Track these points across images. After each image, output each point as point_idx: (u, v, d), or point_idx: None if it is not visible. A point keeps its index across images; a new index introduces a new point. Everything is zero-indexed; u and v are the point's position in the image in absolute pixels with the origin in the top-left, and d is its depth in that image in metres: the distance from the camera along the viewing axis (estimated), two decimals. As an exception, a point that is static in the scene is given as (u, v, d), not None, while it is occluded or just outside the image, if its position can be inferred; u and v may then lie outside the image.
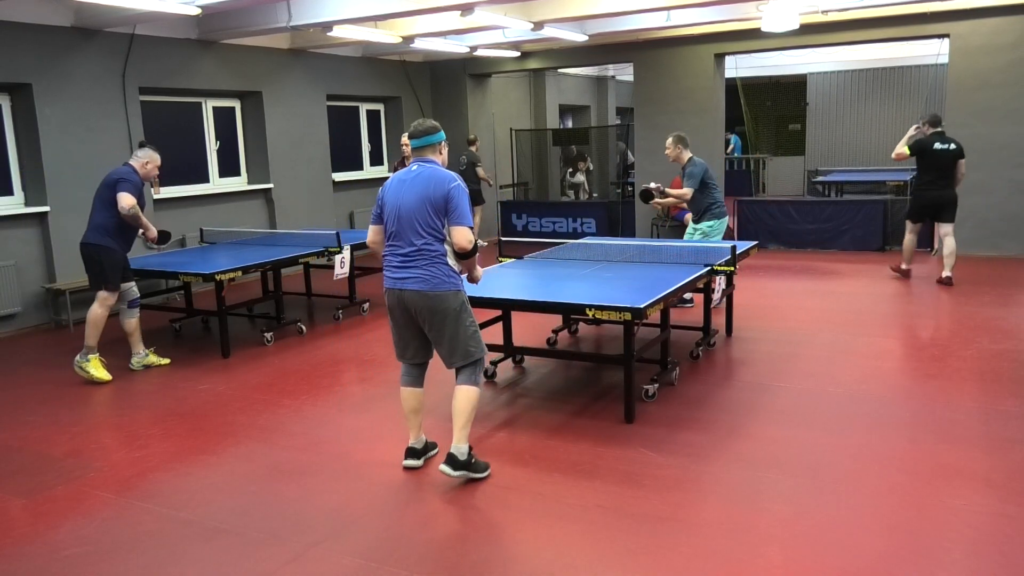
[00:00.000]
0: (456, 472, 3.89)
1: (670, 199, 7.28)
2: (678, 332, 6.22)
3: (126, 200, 5.64)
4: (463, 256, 3.88)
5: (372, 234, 4.05)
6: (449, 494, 3.86)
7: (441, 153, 4.07)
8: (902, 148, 8.35)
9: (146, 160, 5.97)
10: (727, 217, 7.35)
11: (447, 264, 3.85)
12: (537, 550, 3.33)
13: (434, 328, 3.90)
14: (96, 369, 5.84)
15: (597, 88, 18.76)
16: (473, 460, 3.96)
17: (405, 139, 9.10)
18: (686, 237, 7.41)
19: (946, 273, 8.24)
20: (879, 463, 4.04)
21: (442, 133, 4.09)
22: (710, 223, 7.20)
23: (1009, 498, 3.61)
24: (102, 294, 5.89)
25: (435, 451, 4.25)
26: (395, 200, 3.90)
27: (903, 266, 8.70)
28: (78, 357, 5.87)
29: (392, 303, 3.95)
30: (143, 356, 6.19)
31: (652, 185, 7.27)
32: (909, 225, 8.61)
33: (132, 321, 6.12)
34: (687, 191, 7.07)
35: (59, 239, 7.85)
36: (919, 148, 8.27)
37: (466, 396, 3.93)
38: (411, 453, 4.15)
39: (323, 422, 4.96)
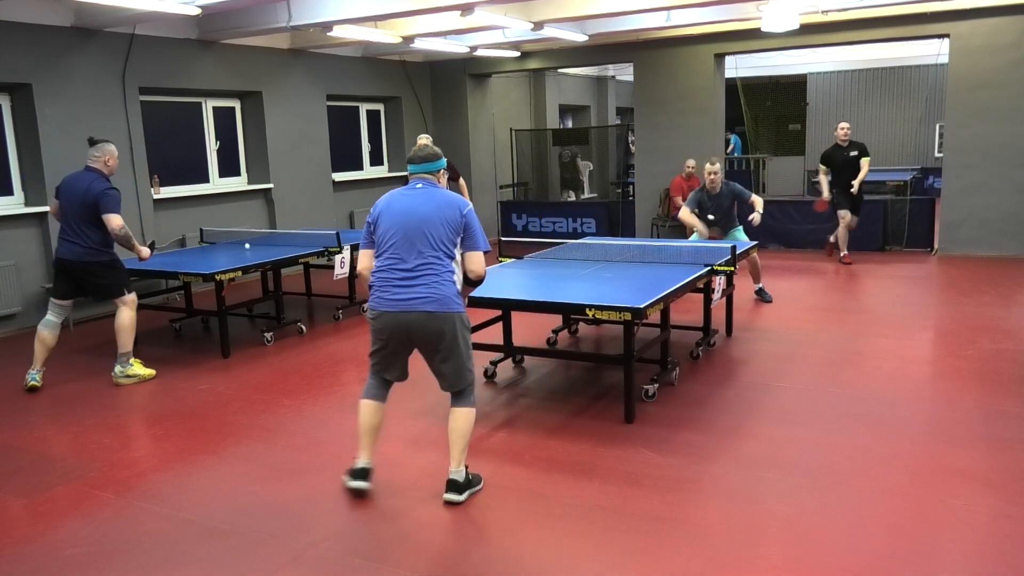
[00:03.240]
0: (463, 496, 3.74)
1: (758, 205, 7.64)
2: (678, 332, 6.22)
3: (116, 221, 5.50)
4: (474, 283, 3.79)
5: (365, 259, 3.77)
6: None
7: (441, 181, 3.85)
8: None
9: (107, 157, 5.67)
10: None
11: (455, 284, 3.68)
12: (537, 550, 3.33)
13: (440, 352, 3.67)
14: (141, 370, 5.86)
15: (597, 88, 18.75)
16: (471, 476, 3.85)
17: (425, 140, 9.15)
18: (736, 234, 7.82)
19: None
20: (879, 463, 4.04)
21: (444, 160, 3.89)
22: (741, 226, 7.85)
23: (1009, 498, 3.61)
24: (127, 298, 5.84)
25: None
26: (399, 213, 3.66)
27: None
28: (118, 368, 5.79)
29: (387, 326, 3.66)
30: (36, 374, 5.81)
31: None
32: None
33: (52, 337, 5.78)
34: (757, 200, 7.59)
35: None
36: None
37: (467, 420, 3.76)
38: (360, 474, 3.82)
39: (323, 422, 4.96)
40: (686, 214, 7.67)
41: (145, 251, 5.92)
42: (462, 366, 3.74)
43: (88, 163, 5.72)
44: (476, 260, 3.73)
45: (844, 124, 9.59)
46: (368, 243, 3.78)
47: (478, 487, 3.88)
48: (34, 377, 5.79)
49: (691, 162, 10.68)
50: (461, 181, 9.23)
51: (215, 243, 8.21)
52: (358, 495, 3.83)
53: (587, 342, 6.64)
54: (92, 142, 5.75)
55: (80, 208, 5.58)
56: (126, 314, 5.82)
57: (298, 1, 8.11)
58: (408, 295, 3.60)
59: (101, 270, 5.73)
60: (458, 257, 3.74)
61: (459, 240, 3.71)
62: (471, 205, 3.78)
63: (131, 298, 5.88)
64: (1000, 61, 9.57)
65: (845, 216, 9.60)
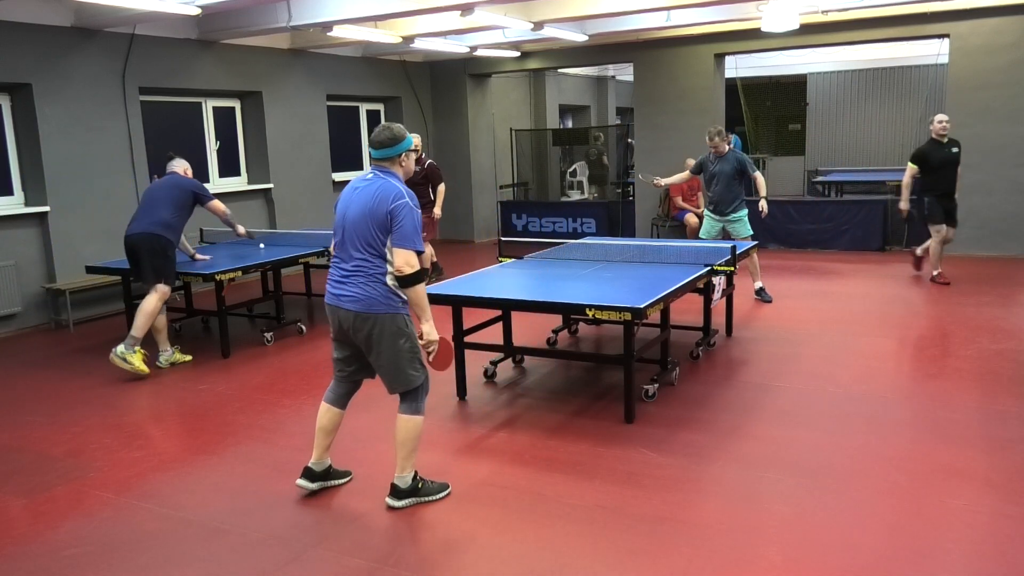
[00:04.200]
0: (401, 502, 3.71)
1: (762, 189, 7.72)
2: (678, 332, 6.22)
3: (221, 204, 6.43)
4: (402, 283, 3.53)
5: (333, 245, 3.83)
6: (449, 494, 3.86)
7: (403, 165, 3.67)
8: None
9: (185, 167, 6.43)
10: None
11: (386, 284, 3.56)
12: (537, 550, 3.33)
13: (371, 352, 3.65)
14: (140, 362, 5.90)
15: (597, 88, 18.75)
16: (421, 484, 3.77)
17: (417, 140, 9.03)
18: (711, 231, 7.82)
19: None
20: (879, 463, 4.04)
21: (406, 141, 3.67)
22: (746, 211, 7.71)
23: (1009, 498, 3.61)
24: (162, 287, 6.04)
25: (345, 479, 4.00)
26: (343, 209, 3.69)
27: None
28: (122, 348, 5.84)
29: (331, 320, 3.73)
30: (170, 354, 6.25)
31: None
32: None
33: (162, 318, 6.21)
34: (760, 179, 7.63)
35: (59, 239, 7.85)
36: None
37: (409, 427, 3.69)
38: (308, 473, 3.87)
39: (323, 422, 4.95)
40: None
41: (241, 228, 6.78)
42: (398, 370, 3.64)
43: (170, 170, 6.42)
44: (399, 257, 3.50)
45: (942, 116, 8.13)
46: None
47: (434, 497, 3.79)
48: (161, 359, 6.22)
49: (691, 161, 10.65)
50: (441, 187, 8.67)
51: (215, 243, 8.20)
52: (302, 491, 3.87)
53: (587, 342, 6.64)
54: (170, 157, 6.51)
55: (168, 192, 6.16)
56: (153, 300, 6.00)
57: (298, 1, 8.11)
58: (340, 291, 3.64)
59: (156, 249, 6.02)
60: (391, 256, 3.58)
61: (389, 237, 3.55)
62: (407, 198, 3.53)
63: (165, 289, 6.09)
64: (1000, 61, 9.57)
65: (941, 231, 8.18)
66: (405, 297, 3.60)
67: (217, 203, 6.41)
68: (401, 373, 3.65)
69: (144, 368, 5.92)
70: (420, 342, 3.69)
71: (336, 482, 3.98)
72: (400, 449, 3.73)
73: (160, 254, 6.04)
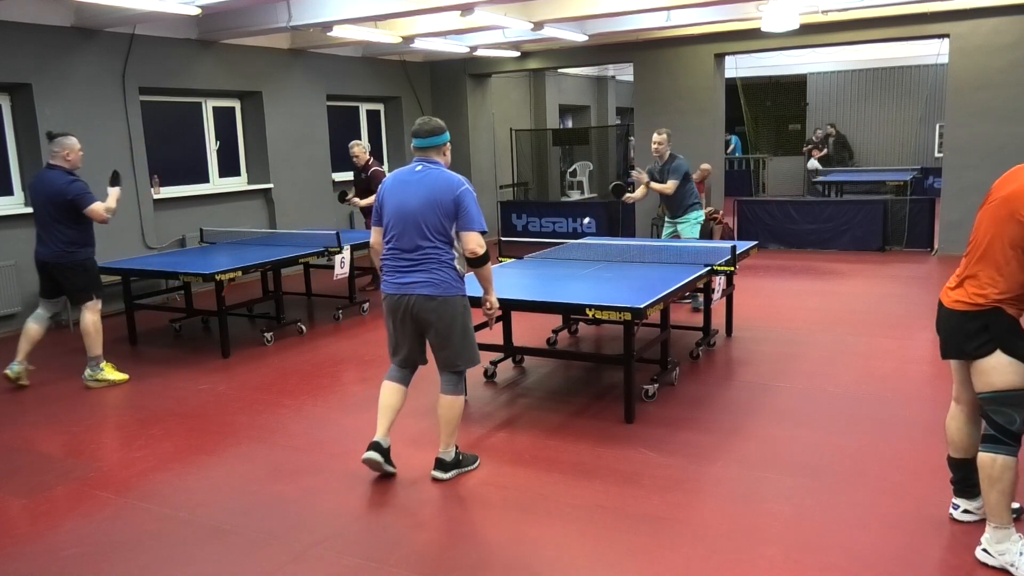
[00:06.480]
0: (448, 474, 3.97)
1: (642, 193, 7.41)
2: (678, 332, 6.22)
3: (98, 211, 5.49)
4: (474, 263, 3.83)
5: (374, 235, 3.99)
6: (449, 494, 3.86)
7: (446, 155, 3.93)
8: None
9: (66, 151, 5.50)
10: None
11: (455, 268, 3.82)
12: (537, 550, 3.33)
13: (440, 334, 3.84)
14: (112, 374, 5.83)
15: (597, 88, 18.76)
16: (461, 457, 4.05)
17: (357, 148, 8.80)
18: (666, 234, 7.64)
19: None
20: (879, 463, 4.04)
21: (448, 134, 3.93)
22: (697, 214, 7.45)
23: (1009, 498, 3.60)
24: (91, 304, 5.78)
25: (394, 470, 4.02)
26: (398, 201, 3.80)
27: None
28: (88, 372, 5.78)
29: (393, 308, 3.86)
30: (21, 368, 5.84)
31: (634, 174, 7.57)
32: None
33: (38, 329, 5.87)
34: (671, 185, 7.23)
35: (59, 239, 7.84)
36: None
37: (454, 406, 3.96)
38: (375, 447, 3.92)
39: (323, 422, 4.96)
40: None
41: (113, 192, 5.74)
42: (459, 348, 3.88)
43: (49, 160, 5.63)
44: (468, 239, 3.78)
45: None
46: (376, 220, 3.97)
47: (470, 467, 4.08)
48: (12, 367, 5.76)
49: (706, 166, 10.51)
50: None
51: (215, 243, 8.21)
52: (374, 467, 3.95)
53: (587, 342, 6.64)
54: (51, 137, 5.58)
55: (52, 208, 5.53)
56: (89, 318, 5.75)
57: (298, 1, 8.11)
58: (408, 279, 3.80)
59: (73, 272, 5.68)
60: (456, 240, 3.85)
61: (455, 223, 3.80)
62: (467, 185, 3.80)
63: (96, 303, 5.80)
64: (1000, 61, 9.57)
65: None
66: (463, 281, 3.87)
67: (96, 208, 5.46)
68: (468, 350, 3.92)
69: (120, 375, 5.84)
70: (489, 311, 4.01)
71: (390, 468, 4.02)
72: (445, 427, 3.97)
73: (79, 272, 5.67)
